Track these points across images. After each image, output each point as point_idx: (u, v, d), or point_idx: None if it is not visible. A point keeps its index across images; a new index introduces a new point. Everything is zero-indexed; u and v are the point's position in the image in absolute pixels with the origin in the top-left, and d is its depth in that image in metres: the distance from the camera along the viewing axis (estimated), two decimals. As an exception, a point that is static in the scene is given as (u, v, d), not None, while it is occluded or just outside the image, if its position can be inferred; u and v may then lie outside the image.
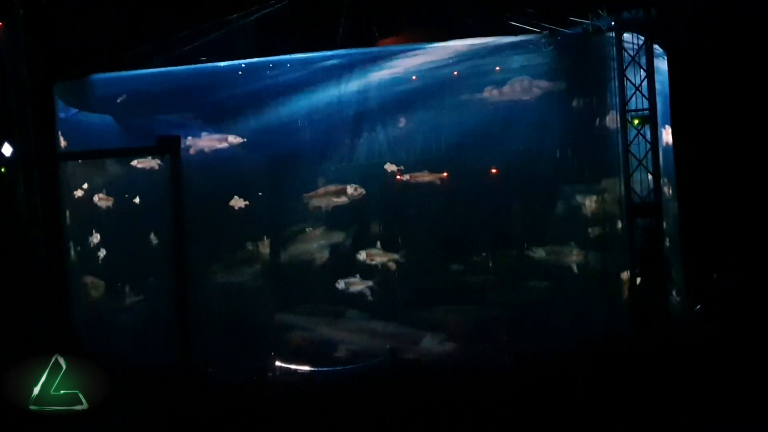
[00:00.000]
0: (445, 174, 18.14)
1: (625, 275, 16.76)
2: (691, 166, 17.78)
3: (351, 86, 18.08)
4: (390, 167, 18.16)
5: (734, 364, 13.13)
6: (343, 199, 18.18)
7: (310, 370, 15.51)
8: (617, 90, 16.78)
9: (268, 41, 18.16)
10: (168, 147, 12.99)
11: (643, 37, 16.67)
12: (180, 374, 13.37)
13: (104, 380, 12.66)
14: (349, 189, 18.08)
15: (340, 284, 17.99)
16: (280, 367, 15.58)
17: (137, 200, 18.70)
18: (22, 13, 16.97)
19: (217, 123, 18.54)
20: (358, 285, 17.96)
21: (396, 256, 18.08)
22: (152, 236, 18.51)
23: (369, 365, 15.44)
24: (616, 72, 16.79)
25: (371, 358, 15.58)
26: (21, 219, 16.63)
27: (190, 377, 13.68)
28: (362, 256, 18.17)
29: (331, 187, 18.22)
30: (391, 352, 15.66)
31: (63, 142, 18.20)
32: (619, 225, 16.94)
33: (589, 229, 17.51)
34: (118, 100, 18.34)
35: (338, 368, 15.55)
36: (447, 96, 17.90)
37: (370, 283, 17.97)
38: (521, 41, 17.41)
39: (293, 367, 15.58)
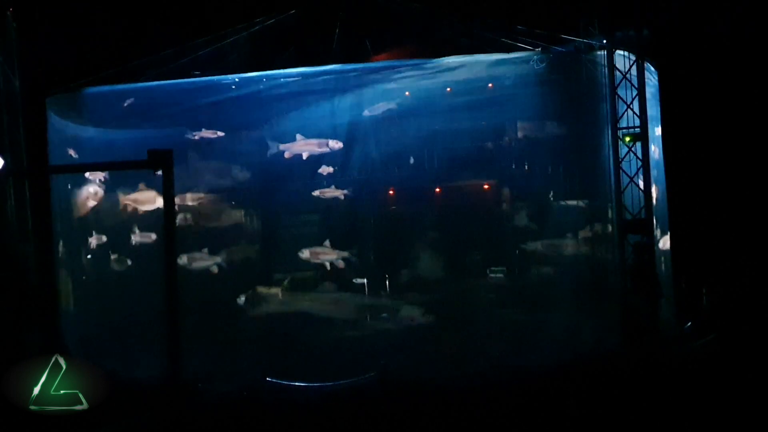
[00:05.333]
0: (437, 190, 18.20)
1: (616, 291, 16.75)
2: (681, 182, 17.87)
3: (344, 101, 18.11)
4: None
5: (726, 379, 13.15)
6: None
7: (301, 385, 15.40)
8: (609, 107, 16.86)
9: (261, 56, 18.20)
10: (161, 161, 12.89)
11: (634, 56, 16.78)
12: (169, 390, 13.21)
13: (103, 381, 12.69)
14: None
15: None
16: (270, 382, 15.47)
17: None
18: (15, 26, 17.03)
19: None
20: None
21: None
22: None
23: (360, 380, 15.35)
24: (607, 90, 16.87)
25: (363, 374, 15.49)
26: (11, 232, 16.60)
27: (179, 393, 13.53)
28: (356, 279, 18.23)
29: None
30: (383, 368, 15.58)
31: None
32: (611, 241, 16.94)
33: (581, 245, 17.53)
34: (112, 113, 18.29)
35: (329, 384, 15.44)
36: (439, 112, 17.92)
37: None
38: (514, 58, 17.47)
39: (284, 382, 15.47)
